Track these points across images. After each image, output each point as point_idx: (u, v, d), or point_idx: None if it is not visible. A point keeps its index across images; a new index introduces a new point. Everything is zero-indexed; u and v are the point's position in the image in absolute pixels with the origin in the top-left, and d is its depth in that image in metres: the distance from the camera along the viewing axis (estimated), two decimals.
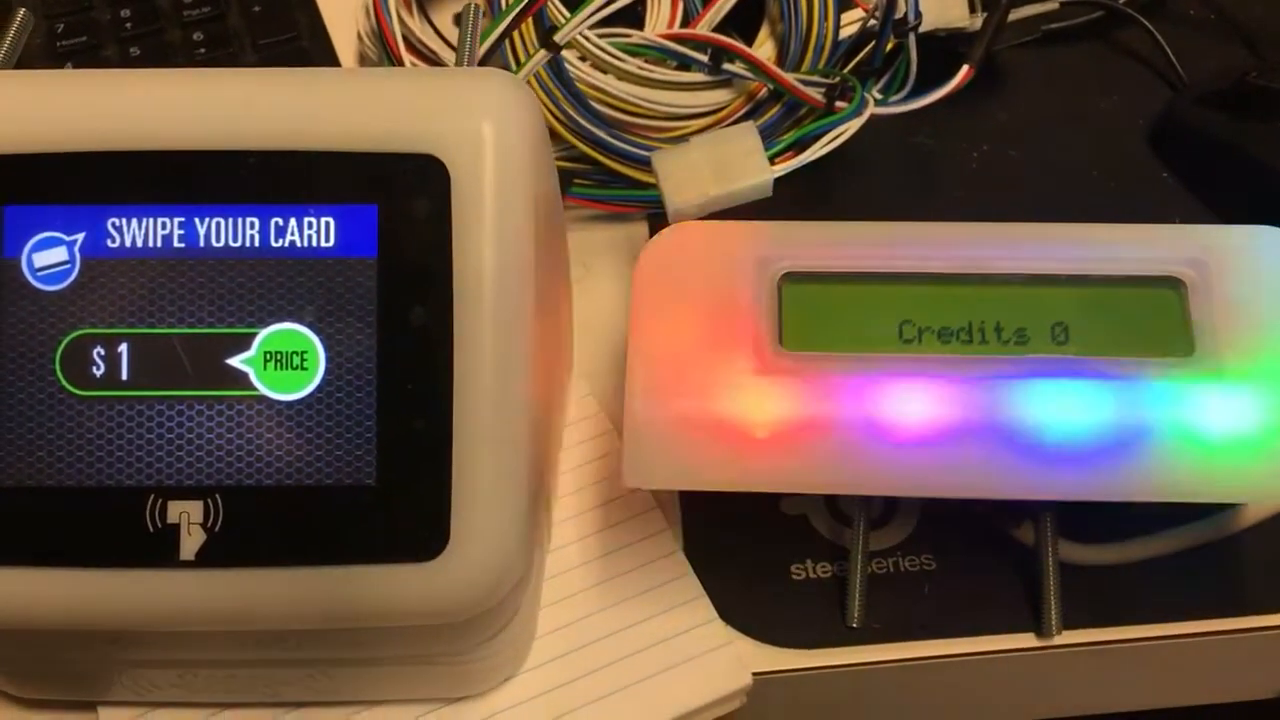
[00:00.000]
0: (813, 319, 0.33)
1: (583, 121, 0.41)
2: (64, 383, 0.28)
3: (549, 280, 0.31)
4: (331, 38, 0.47)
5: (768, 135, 0.42)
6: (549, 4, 0.41)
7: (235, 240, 0.28)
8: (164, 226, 0.28)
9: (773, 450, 0.32)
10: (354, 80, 0.30)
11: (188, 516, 0.27)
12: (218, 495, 0.28)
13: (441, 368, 0.27)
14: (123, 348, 0.28)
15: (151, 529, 0.27)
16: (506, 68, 0.41)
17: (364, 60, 0.46)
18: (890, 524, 0.37)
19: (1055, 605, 0.35)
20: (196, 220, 0.28)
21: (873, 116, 0.41)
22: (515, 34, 0.42)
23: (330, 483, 0.27)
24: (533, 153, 0.29)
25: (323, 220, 0.28)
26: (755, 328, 0.33)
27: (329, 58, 0.46)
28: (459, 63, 0.32)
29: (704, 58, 0.42)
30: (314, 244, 0.28)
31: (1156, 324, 0.32)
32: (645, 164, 0.41)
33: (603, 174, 0.42)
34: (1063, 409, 0.31)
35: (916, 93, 0.42)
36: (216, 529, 0.27)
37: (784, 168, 0.40)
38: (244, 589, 0.28)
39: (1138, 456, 0.31)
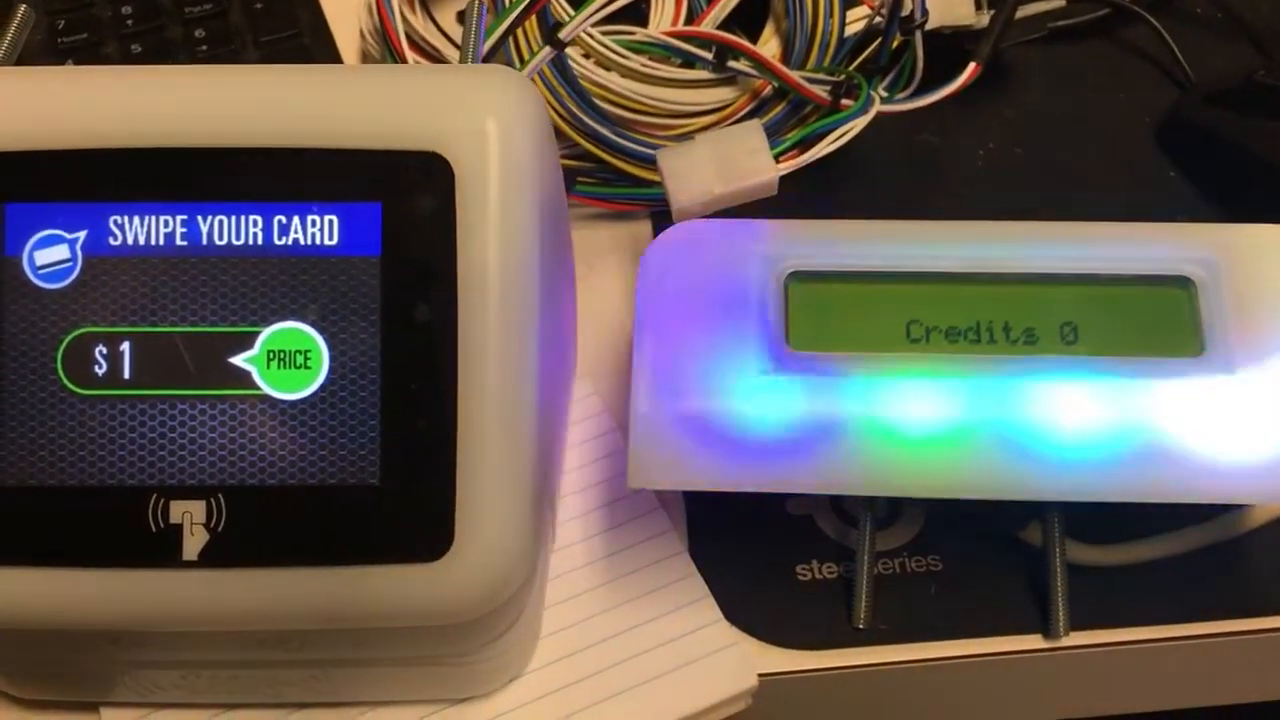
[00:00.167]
0: (819, 318, 0.33)
1: (587, 119, 0.41)
2: (66, 381, 0.28)
3: (553, 279, 0.30)
4: (334, 35, 0.47)
5: (773, 133, 0.41)
6: (553, 1, 0.41)
7: (238, 238, 0.28)
8: (166, 224, 0.28)
9: (778, 450, 0.32)
10: (358, 77, 0.30)
11: (190, 516, 0.27)
12: (220, 495, 0.27)
13: (446, 367, 0.27)
14: (125, 346, 0.28)
15: (154, 529, 0.27)
16: (510, 65, 0.41)
17: (366, 58, 0.46)
18: (896, 524, 0.37)
19: (1063, 606, 0.35)
20: (199, 218, 0.28)
21: (878, 114, 0.41)
22: (519, 31, 0.42)
23: (334, 483, 0.27)
24: (538, 150, 0.29)
25: (326, 218, 0.28)
26: (761, 327, 0.33)
27: (331, 55, 0.46)
28: (463, 60, 0.32)
29: (709, 55, 0.42)
30: (317, 242, 0.28)
31: (1166, 323, 0.32)
32: (650, 162, 0.40)
33: (607, 172, 0.42)
34: (1071, 409, 0.31)
35: (922, 90, 0.42)
36: (219, 529, 0.27)
37: (789, 166, 0.40)
38: (247, 589, 0.27)
39: (1146, 457, 0.31)
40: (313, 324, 0.28)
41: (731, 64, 0.42)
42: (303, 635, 0.29)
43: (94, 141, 0.28)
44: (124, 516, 0.27)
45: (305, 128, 0.28)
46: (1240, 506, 0.36)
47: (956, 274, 0.33)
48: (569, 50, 0.40)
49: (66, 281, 0.28)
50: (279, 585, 0.27)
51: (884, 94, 0.42)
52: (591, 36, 0.42)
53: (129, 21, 0.46)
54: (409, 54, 0.42)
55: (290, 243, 0.28)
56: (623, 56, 0.42)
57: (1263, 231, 0.33)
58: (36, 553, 0.27)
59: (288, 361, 0.28)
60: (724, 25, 0.44)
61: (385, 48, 0.43)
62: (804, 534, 0.37)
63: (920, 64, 0.42)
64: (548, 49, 0.38)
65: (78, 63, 0.45)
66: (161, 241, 0.28)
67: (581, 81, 0.42)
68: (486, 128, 0.28)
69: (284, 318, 0.28)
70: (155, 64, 0.45)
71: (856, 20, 0.44)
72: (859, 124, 0.41)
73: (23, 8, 0.32)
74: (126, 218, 0.28)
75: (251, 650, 0.30)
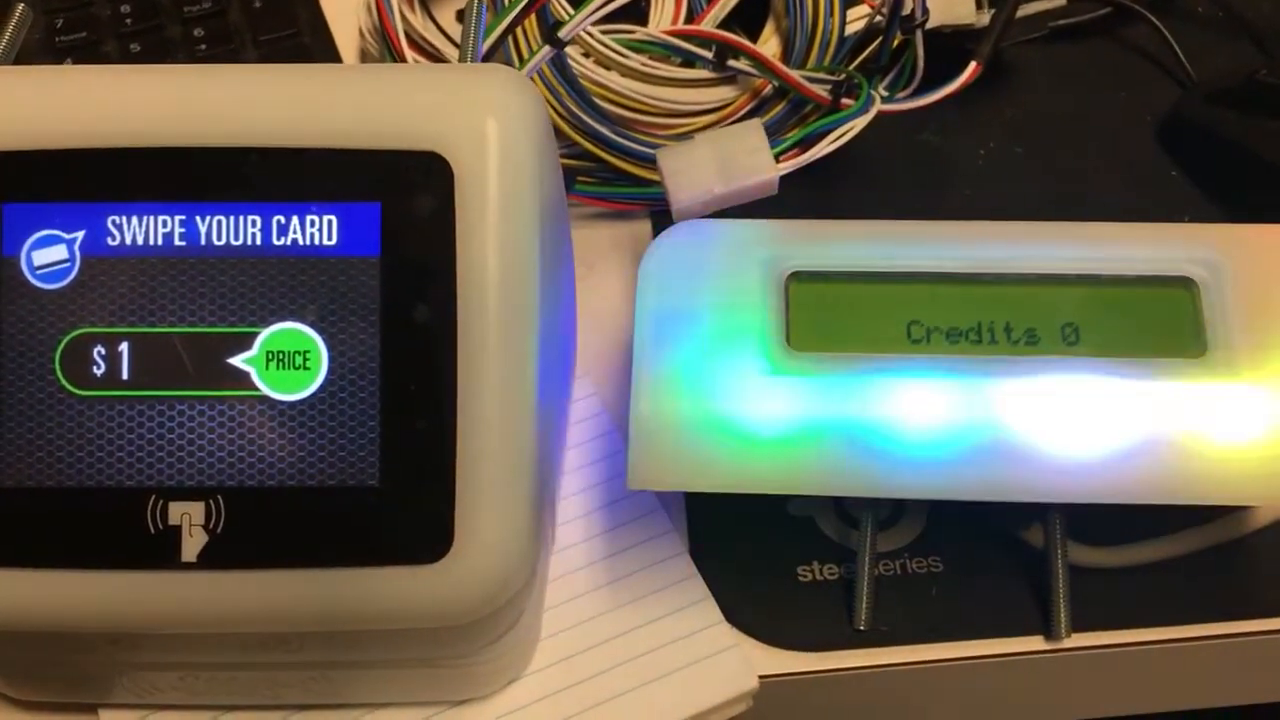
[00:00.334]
0: (820, 319, 0.33)
1: (586, 118, 0.41)
2: (64, 382, 0.27)
3: (553, 279, 0.30)
4: (333, 34, 0.47)
5: (773, 132, 0.41)
6: (552, 0, 0.41)
7: (237, 238, 0.28)
8: (165, 224, 0.28)
9: (779, 451, 0.32)
10: (357, 77, 0.30)
11: (189, 518, 0.27)
12: (219, 496, 0.27)
13: (445, 367, 0.27)
14: (123, 347, 0.28)
15: (153, 530, 0.27)
16: (510, 64, 0.41)
17: (366, 57, 0.46)
18: (898, 526, 0.37)
19: (1065, 608, 0.35)
20: (197, 218, 0.28)
21: (879, 114, 0.41)
22: (519, 30, 0.41)
23: (333, 484, 0.27)
24: (537, 150, 0.28)
25: (325, 218, 0.28)
26: (761, 327, 0.32)
27: (330, 54, 0.46)
28: (462, 59, 0.32)
29: (709, 54, 0.42)
30: (316, 242, 0.28)
31: (1168, 324, 0.32)
32: (650, 161, 0.40)
33: (607, 172, 0.42)
34: (1073, 410, 0.31)
35: (923, 90, 0.42)
36: (218, 530, 0.27)
37: (789, 165, 0.40)
38: (246, 591, 0.27)
39: (1148, 458, 0.31)
40: (312, 324, 0.28)
41: (732, 63, 0.42)
42: (302, 637, 0.29)
43: (92, 141, 0.28)
44: (122, 518, 0.27)
45: (304, 127, 0.28)
46: (1242, 508, 0.36)
47: (958, 274, 0.33)
48: (569, 49, 0.40)
49: (64, 282, 0.28)
50: (278, 587, 0.27)
51: (884, 93, 0.42)
52: (591, 35, 0.42)
53: (128, 20, 0.46)
54: (408, 53, 0.42)
55: (289, 243, 0.28)
56: (623, 55, 0.42)
57: (1265, 231, 0.33)
58: (35, 554, 0.27)
59: (287, 362, 0.27)
60: (724, 24, 0.44)
61: (384, 47, 0.43)
62: (805, 535, 0.37)
63: (921, 63, 0.42)
64: (547, 48, 0.38)
65: (76, 62, 0.45)
66: (160, 242, 0.28)
67: (581, 81, 0.41)
68: (486, 127, 0.28)
69: (283, 318, 0.28)
70: (154, 63, 0.45)
71: (857, 19, 0.44)
72: (859, 123, 0.41)
73: (21, 6, 0.31)
74: (125, 218, 0.28)
75: (250, 652, 0.30)
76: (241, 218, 0.28)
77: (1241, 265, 0.32)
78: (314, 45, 0.46)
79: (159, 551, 0.27)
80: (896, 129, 0.43)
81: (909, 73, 0.42)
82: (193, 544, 0.27)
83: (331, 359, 0.27)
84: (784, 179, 0.39)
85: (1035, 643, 0.35)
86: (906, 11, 0.41)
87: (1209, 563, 0.36)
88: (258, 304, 0.28)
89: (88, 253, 0.28)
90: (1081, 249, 0.33)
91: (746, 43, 0.42)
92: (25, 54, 0.32)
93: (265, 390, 0.27)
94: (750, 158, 0.39)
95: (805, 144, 0.41)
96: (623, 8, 0.39)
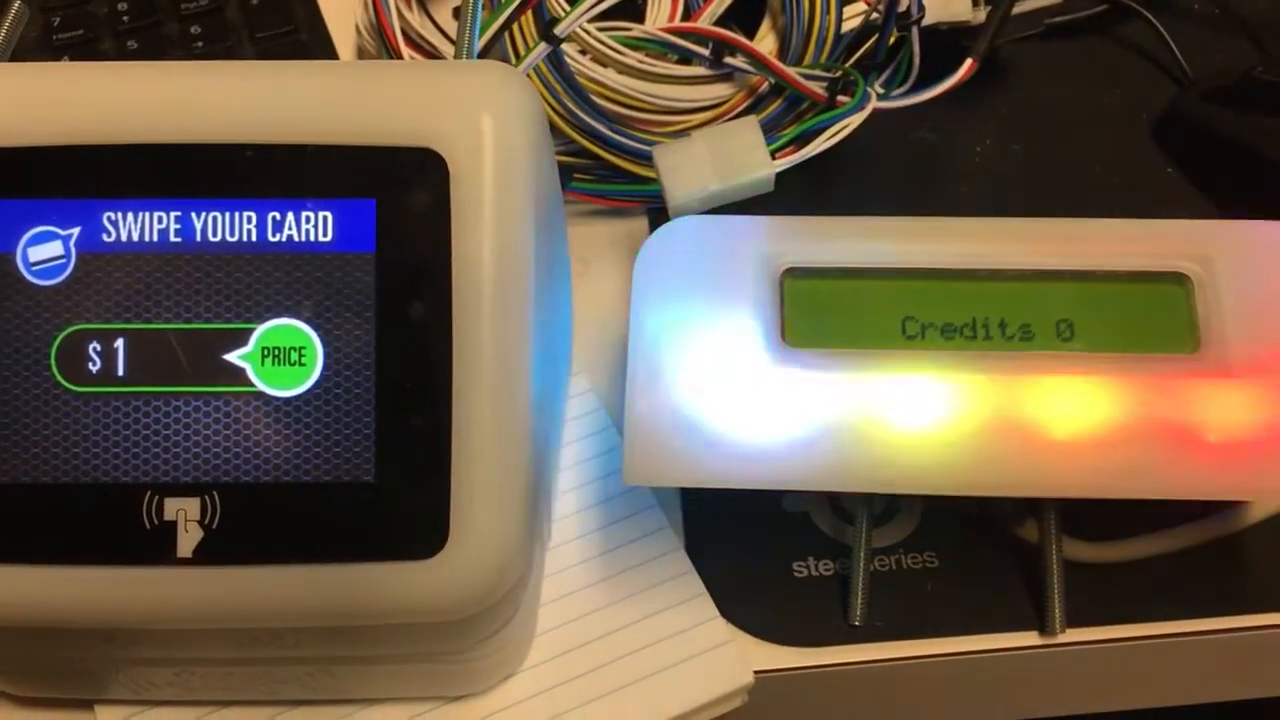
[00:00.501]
0: (815, 315, 0.33)
1: (583, 115, 0.41)
2: (59, 378, 0.27)
3: (549, 275, 0.30)
4: (330, 31, 0.47)
5: (769, 130, 0.41)
6: None
7: (232, 235, 0.28)
8: (160, 221, 0.28)
9: (774, 447, 0.32)
10: (352, 73, 0.30)
11: (185, 513, 0.27)
12: (215, 492, 0.27)
13: (440, 364, 0.27)
14: (119, 343, 0.28)
15: (148, 526, 0.27)
16: (506, 61, 0.41)
17: (363, 54, 0.46)
18: (893, 521, 0.37)
19: (1059, 603, 0.35)
20: (193, 214, 0.28)
21: (875, 111, 0.41)
22: (515, 27, 0.41)
23: (328, 479, 0.27)
24: (533, 147, 0.28)
25: (320, 215, 0.28)
26: (757, 324, 0.32)
27: (327, 51, 0.46)
28: (458, 55, 0.32)
29: (705, 51, 0.42)
30: (312, 239, 0.28)
31: (1162, 320, 0.32)
32: (646, 158, 0.40)
33: (603, 169, 0.42)
34: (1067, 405, 0.31)
35: (919, 87, 0.42)
36: (214, 526, 0.27)
37: (786, 162, 0.40)
38: (242, 587, 0.27)
39: (1143, 453, 0.31)
40: (307, 321, 0.28)
41: (728, 60, 0.42)
42: (297, 633, 0.29)
43: (87, 137, 0.28)
44: (118, 514, 0.27)
45: (300, 124, 0.28)
46: (1236, 503, 0.36)
47: (952, 270, 0.33)
48: (565, 46, 0.40)
49: (60, 278, 0.28)
50: (273, 583, 0.27)
51: (880, 90, 0.42)
52: (588, 32, 0.42)
53: (125, 18, 0.46)
54: (405, 50, 0.42)
55: (284, 239, 0.28)
56: (619, 52, 0.42)
57: (1260, 228, 0.33)
58: (30, 550, 0.27)
59: (282, 358, 0.28)
60: (720, 21, 0.44)
61: (381, 43, 0.43)
62: (800, 531, 0.37)
63: (917, 60, 0.42)
64: (544, 45, 0.38)
65: (73, 59, 0.45)
66: (155, 238, 0.28)
67: (578, 78, 0.41)
68: (481, 124, 0.28)
69: (278, 314, 0.28)
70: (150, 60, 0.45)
71: (853, 16, 0.44)
72: (855, 120, 0.41)
73: (16, 3, 0.31)
74: (120, 214, 0.28)
75: (246, 648, 0.30)
76: (237, 214, 0.28)
77: (1236, 261, 0.32)
78: (311, 42, 0.46)
79: (154, 547, 0.27)
80: (892, 126, 0.43)
81: (905, 70, 0.42)
82: (188, 540, 0.27)
83: (327, 355, 0.27)
84: (780, 176, 0.39)
85: (1030, 638, 0.35)
86: (902, 8, 0.41)
87: (1203, 558, 0.36)
88: (253, 300, 0.28)
89: (83, 249, 0.28)
90: (1076, 245, 0.33)
91: (743, 40, 0.42)
92: (22, 52, 0.32)
93: (261, 386, 0.27)
94: (746, 155, 0.39)
95: (801, 141, 0.41)
96: (619, 5, 0.39)
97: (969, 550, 0.37)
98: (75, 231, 0.28)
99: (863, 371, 0.32)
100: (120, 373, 0.27)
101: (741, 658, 0.35)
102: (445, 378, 0.27)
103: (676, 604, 0.35)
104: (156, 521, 0.27)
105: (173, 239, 0.28)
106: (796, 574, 0.36)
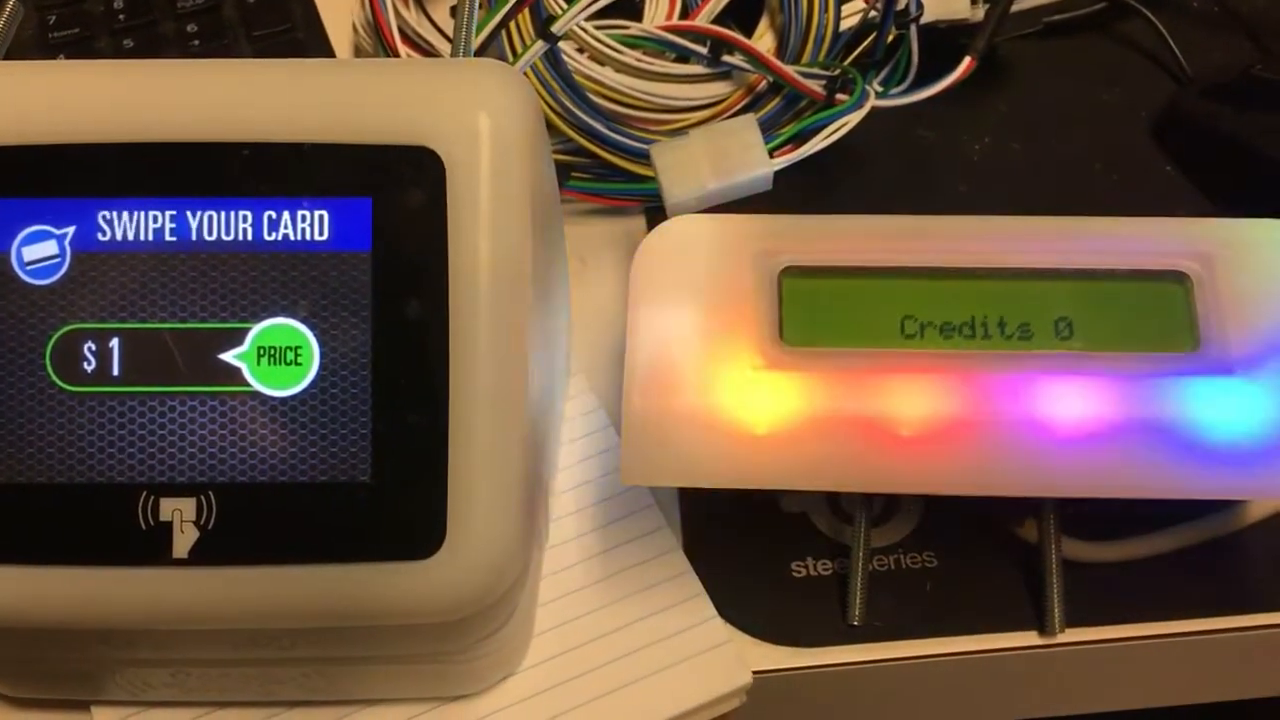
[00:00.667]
0: (813, 313, 0.33)
1: (580, 114, 0.41)
2: (55, 378, 0.27)
3: (546, 274, 0.30)
4: (326, 29, 0.46)
5: (767, 128, 0.41)
6: None
7: (228, 234, 0.28)
8: (155, 220, 0.28)
9: (772, 447, 0.32)
10: (348, 71, 0.29)
11: (180, 514, 0.27)
12: (211, 492, 0.27)
13: (437, 363, 0.27)
14: (114, 343, 0.27)
15: (144, 526, 0.27)
16: (503, 59, 0.41)
17: (359, 52, 0.46)
18: (892, 521, 0.37)
19: (1058, 603, 0.35)
20: (188, 213, 0.28)
21: (874, 109, 0.41)
22: (512, 25, 0.41)
23: (325, 479, 0.27)
24: (530, 145, 0.28)
25: (316, 213, 0.28)
26: (755, 322, 0.32)
27: (324, 49, 0.46)
28: (454, 54, 0.32)
29: (703, 50, 0.42)
30: (307, 237, 0.27)
31: (1161, 318, 0.32)
32: (643, 157, 0.40)
33: (600, 167, 0.42)
34: (1066, 405, 0.31)
35: (918, 85, 0.42)
36: (210, 526, 0.27)
37: (784, 161, 0.40)
38: (238, 587, 0.27)
39: (1142, 453, 0.31)
40: (303, 320, 0.27)
41: (726, 59, 0.42)
42: (294, 633, 0.29)
43: (83, 136, 0.28)
44: (114, 514, 0.27)
45: (295, 122, 0.28)
46: (1235, 502, 0.36)
47: (951, 269, 0.33)
48: (562, 44, 0.40)
49: (55, 278, 0.28)
50: (270, 583, 0.27)
51: (879, 89, 0.42)
52: (585, 31, 0.42)
53: (121, 16, 0.46)
54: (402, 48, 0.42)
55: (280, 238, 0.27)
56: (616, 51, 0.42)
57: (1259, 226, 0.33)
58: (25, 551, 0.27)
59: (278, 358, 0.27)
60: (718, 20, 0.44)
61: (377, 42, 0.43)
62: (799, 530, 0.37)
63: (915, 58, 0.42)
64: (540, 43, 0.38)
65: (69, 58, 0.45)
66: (151, 237, 0.28)
67: (575, 76, 0.41)
68: (478, 122, 0.28)
69: (274, 314, 0.27)
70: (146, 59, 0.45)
71: (851, 14, 0.44)
72: (854, 119, 0.41)
73: (11, 1, 0.31)
74: (115, 213, 0.28)
75: (242, 648, 0.30)
76: (232, 213, 0.28)
77: (1235, 260, 0.32)
78: (308, 40, 0.46)
79: (150, 548, 0.27)
80: (891, 124, 0.43)
81: (904, 68, 0.42)
82: (184, 540, 0.27)
83: (323, 354, 0.27)
84: (778, 174, 0.39)
85: (1029, 638, 0.35)
86: (901, 6, 0.41)
87: (1203, 557, 0.36)
88: (249, 299, 0.27)
89: (78, 248, 0.27)
90: (1074, 243, 0.33)
91: (741, 38, 0.42)
92: (17, 50, 0.32)
93: (257, 386, 0.27)
94: (744, 153, 0.39)
95: (799, 139, 0.41)
96: (617, 3, 0.39)
97: (968, 550, 0.36)
98: (70, 231, 0.27)
99: (861, 371, 0.32)
100: (115, 372, 0.27)
101: (740, 658, 0.35)
102: (442, 377, 0.27)
103: (674, 604, 0.35)
104: (152, 522, 0.27)
105: (168, 238, 0.28)
106: (795, 574, 0.36)
